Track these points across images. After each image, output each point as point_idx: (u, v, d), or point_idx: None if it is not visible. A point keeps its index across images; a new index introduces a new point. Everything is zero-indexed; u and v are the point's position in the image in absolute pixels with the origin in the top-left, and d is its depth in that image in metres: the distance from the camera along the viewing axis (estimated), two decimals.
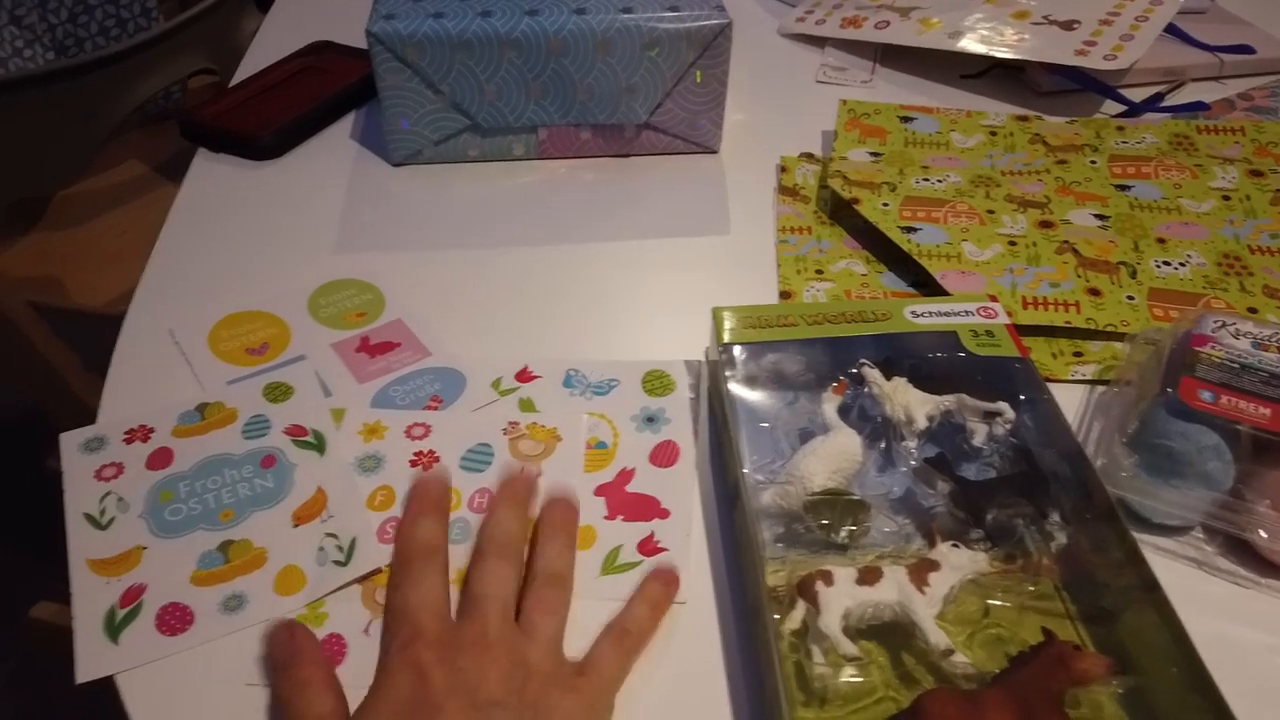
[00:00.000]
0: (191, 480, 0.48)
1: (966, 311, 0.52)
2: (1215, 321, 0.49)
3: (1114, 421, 0.49)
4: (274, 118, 0.76)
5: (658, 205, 0.70)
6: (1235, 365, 0.47)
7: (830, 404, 0.48)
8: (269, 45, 0.90)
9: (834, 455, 0.46)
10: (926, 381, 0.49)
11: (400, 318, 0.59)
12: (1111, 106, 0.81)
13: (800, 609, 0.40)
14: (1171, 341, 0.50)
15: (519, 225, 0.68)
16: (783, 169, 0.73)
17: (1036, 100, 0.82)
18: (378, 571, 0.44)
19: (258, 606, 0.43)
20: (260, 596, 0.43)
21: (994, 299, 0.53)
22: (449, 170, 0.73)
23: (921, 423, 0.47)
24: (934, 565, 0.41)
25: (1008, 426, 0.47)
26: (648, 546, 0.46)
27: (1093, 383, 0.54)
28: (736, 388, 0.49)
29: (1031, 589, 0.42)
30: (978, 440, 0.47)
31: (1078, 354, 0.56)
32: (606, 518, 0.48)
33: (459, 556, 0.45)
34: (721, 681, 0.41)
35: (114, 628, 0.42)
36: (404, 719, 0.36)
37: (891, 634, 0.40)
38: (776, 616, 0.40)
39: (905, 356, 0.50)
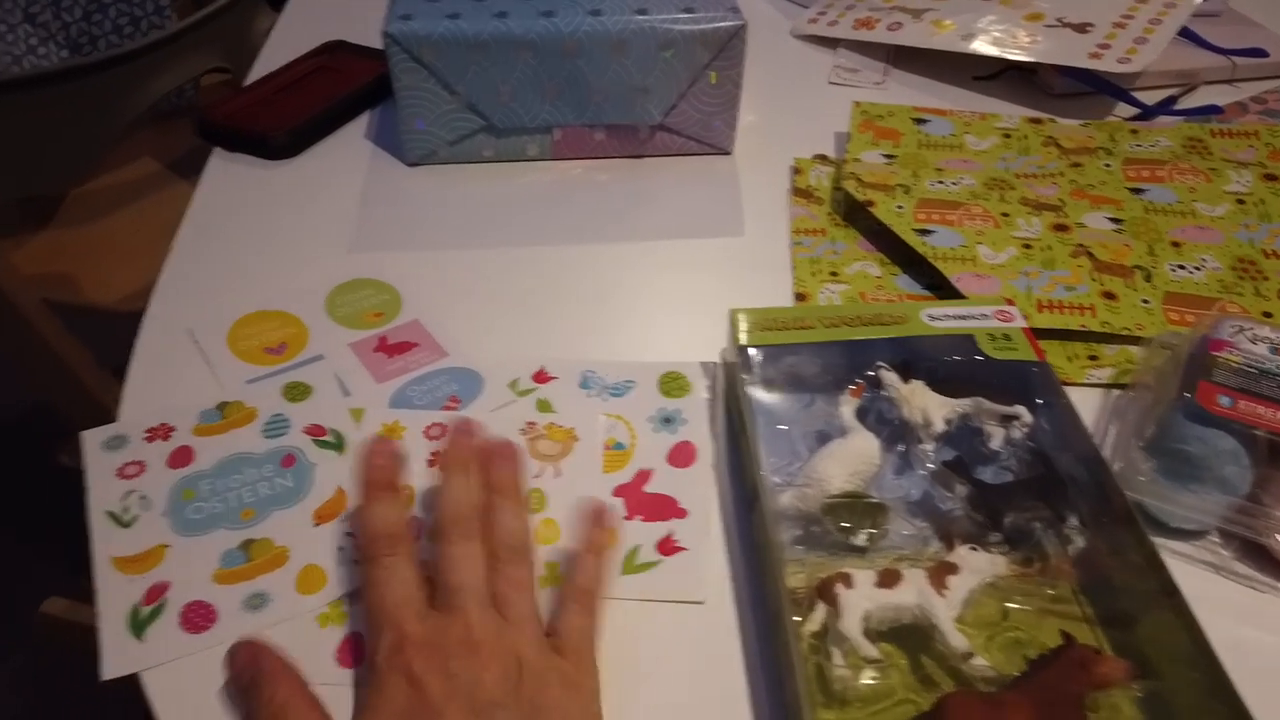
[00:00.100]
0: (213, 479, 0.49)
1: (983, 315, 0.52)
2: (1233, 326, 0.49)
3: (1130, 426, 0.50)
4: (289, 117, 0.76)
5: (672, 206, 0.71)
6: (1253, 370, 0.47)
7: (848, 406, 0.49)
8: (282, 44, 0.90)
9: (852, 458, 0.46)
10: (944, 385, 0.49)
11: (417, 318, 0.59)
12: (1124, 109, 0.81)
13: (820, 611, 0.40)
14: (1189, 346, 0.50)
15: (533, 226, 0.68)
16: (796, 171, 0.73)
17: (1049, 102, 0.82)
18: None
19: (280, 605, 0.43)
20: (282, 595, 0.43)
21: (1010, 302, 0.53)
22: (463, 170, 0.74)
23: (939, 426, 0.47)
24: (953, 568, 0.41)
25: (1025, 430, 0.47)
26: (667, 546, 0.47)
27: (1108, 386, 0.55)
28: (754, 390, 0.49)
29: (1051, 592, 0.42)
30: (995, 444, 0.47)
31: (1093, 357, 0.56)
32: (625, 518, 0.48)
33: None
34: (741, 682, 0.41)
35: (138, 625, 0.42)
36: None
37: (910, 636, 0.41)
38: (797, 618, 0.40)
39: (922, 359, 0.50)
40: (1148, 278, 0.59)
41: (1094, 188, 0.67)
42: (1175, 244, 0.62)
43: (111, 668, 0.41)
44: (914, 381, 0.49)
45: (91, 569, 0.44)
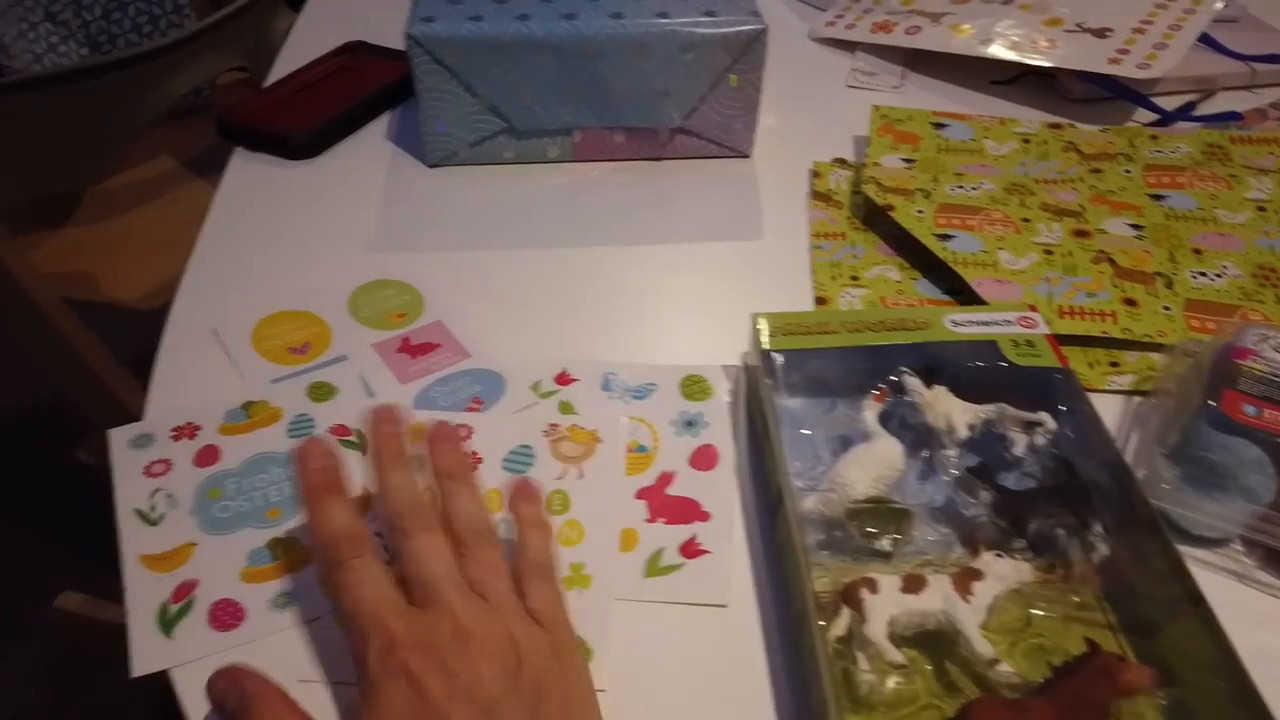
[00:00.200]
0: (239, 478, 0.49)
1: (1006, 321, 0.52)
2: (1256, 334, 0.49)
3: (1153, 433, 0.50)
4: (310, 118, 0.76)
5: (691, 209, 0.71)
6: (1278, 379, 0.47)
7: (871, 412, 0.49)
8: (301, 45, 0.90)
9: (875, 463, 0.46)
10: (967, 390, 0.49)
11: (439, 319, 0.60)
12: (1143, 115, 0.81)
13: (845, 616, 0.41)
14: (1211, 353, 0.50)
15: (553, 227, 0.68)
16: (815, 174, 0.73)
17: (1067, 107, 0.82)
18: None
19: (307, 604, 0.43)
20: (309, 595, 0.44)
21: (1033, 308, 0.54)
22: (484, 172, 0.74)
23: (962, 432, 0.48)
24: (978, 574, 0.41)
25: (1048, 436, 0.47)
26: (690, 549, 0.47)
27: (1129, 393, 0.55)
28: (777, 394, 0.49)
29: (1075, 599, 0.42)
30: (1018, 450, 0.47)
31: (1114, 364, 0.56)
32: (648, 520, 0.48)
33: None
34: (764, 685, 0.41)
35: (167, 622, 0.42)
36: None
37: (935, 642, 0.41)
38: (822, 623, 0.40)
39: (945, 365, 0.50)
40: (1169, 284, 0.60)
41: (1114, 194, 0.67)
42: (1196, 251, 0.62)
43: (141, 665, 0.41)
44: (937, 387, 0.49)
45: (115, 566, 0.45)
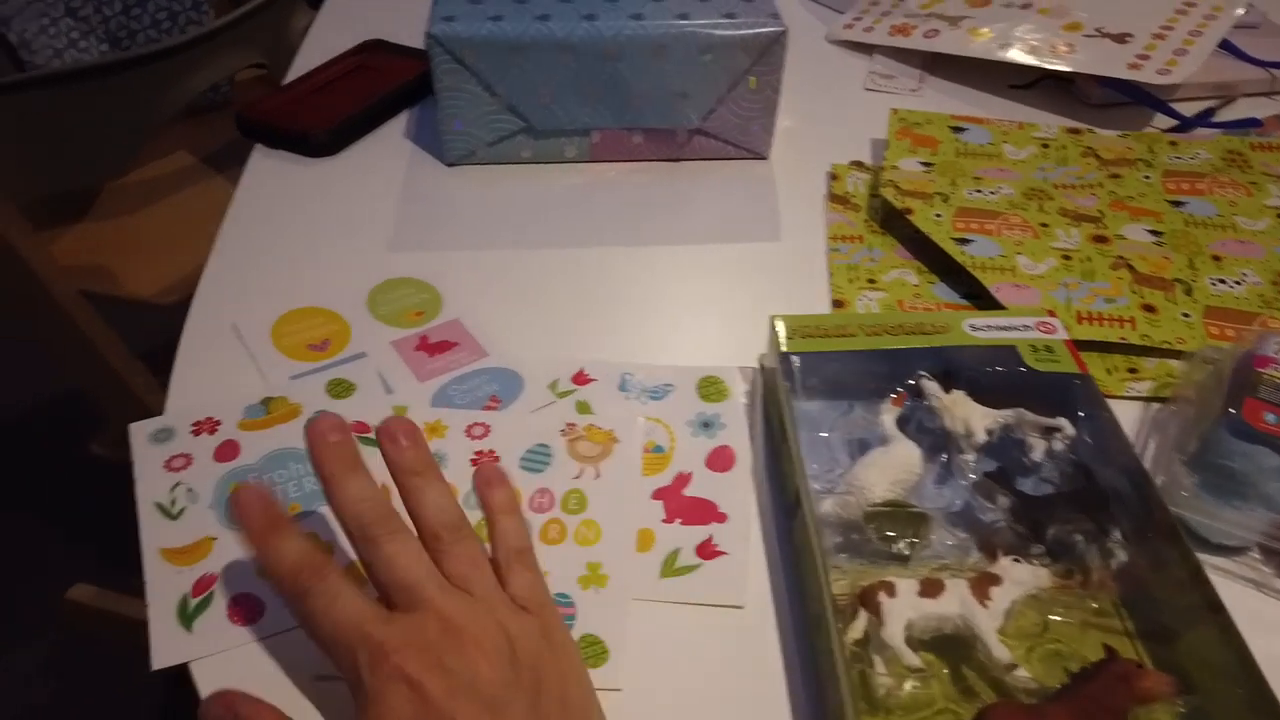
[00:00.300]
0: (259, 473, 0.49)
1: (1025, 326, 0.52)
2: (1277, 342, 0.49)
3: (1171, 440, 0.50)
4: (329, 115, 0.77)
5: (708, 210, 0.71)
6: None
7: (889, 415, 0.49)
8: (320, 42, 0.91)
9: (893, 467, 0.46)
10: (985, 395, 0.49)
11: (457, 317, 0.60)
12: (1161, 121, 0.81)
13: (862, 619, 0.41)
14: (1232, 361, 0.50)
15: (570, 227, 0.69)
16: (833, 177, 0.73)
17: (1086, 112, 0.82)
18: None
19: None
20: None
21: (1052, 314, 0.54)
22: (501, 171, 0.74)
23: (980, 436, 0.48)
24: (996, 579, 0.41)
25: (1066, 442, 0.47)
26: (706, 550, 0.47)
27: (1148, 400, 0.55)
28: (795, 396, 0.50)
29: (1093, 606, 0.42)
30: (1036, 455, 0.47)
31: (1132, 370, 0.56)
32: (664, 521, 0.48)
33: None
34: (780, 687, 0.42)
35: (187, 616, 0.43)
36: None
37: (951, 646, 0.41)
38: (839, 626, 0.40)
39: (964, 369, 0.50)
40: (1188, 291, 0.59)
41: (1133, 199, 0.67)
42: (1215, 258, 0.62)
43: (161, 658, 0.41)
44: (955, 391, 0.49)
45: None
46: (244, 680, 0.40)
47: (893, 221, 0.67)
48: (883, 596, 0.41)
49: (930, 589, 0.41)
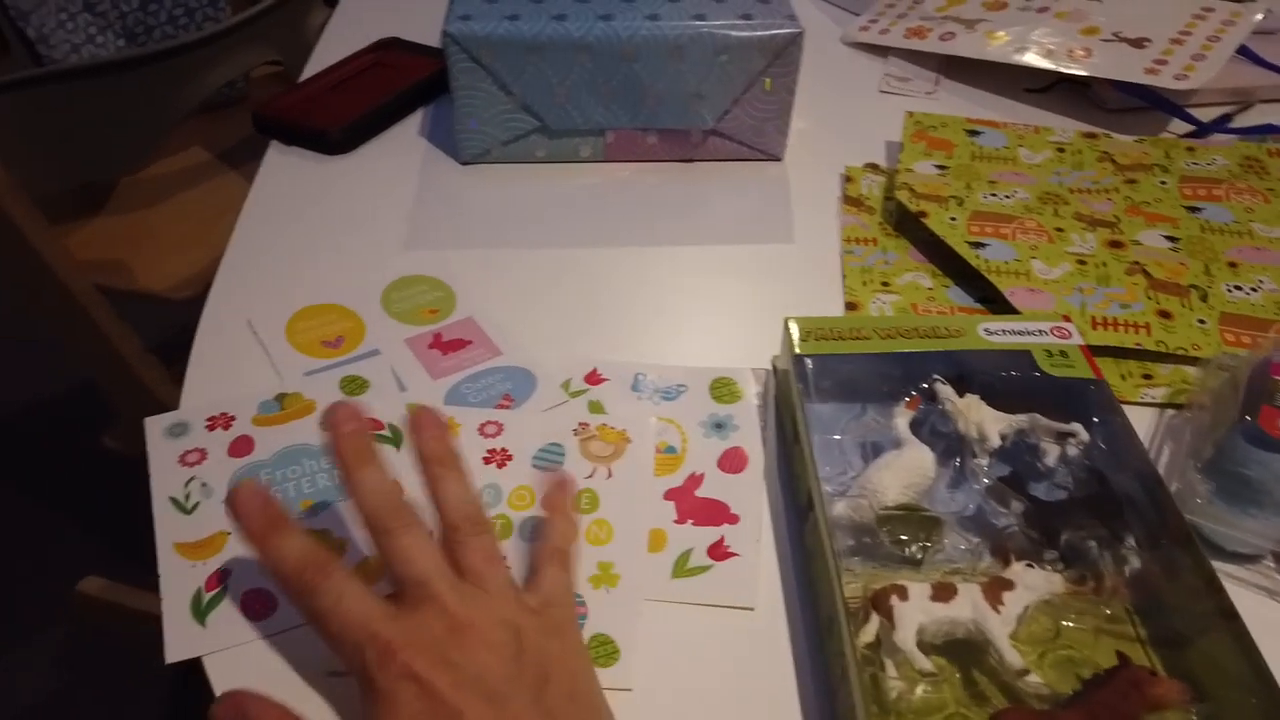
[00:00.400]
0: (272, 469, 0.49)
1: (1040, 331, 0.52)
2: None
3: (1186, 447, 0.49)
4: (345, 113, 0.77)
5: (722, 211, 0.71)
6: None
7: (902, 418, 0.49)
8: (336, 40, 0.91)
9: (907, 470, 0.46)
10: (999, 400, 0.49)
11: (471, 316, 0.60)
12: (1178, 126, 0.81)
13: (874, 622, 0.41)
14: (1248, 368, 0.49)
15: (584, 227, 0.69)
16: (848, 179, 0.73)
17: (1102, 116, 0.82)
18: None
19: None
20: None
21: (1068, 319, 0.53)
22: (516, 170, 0.74)
23: (994, 441, 0.47)
24: (1008, 584, 0.41)
25: (1080, 448, 0.47)
26: (718, 551, 0.47)
27: (1162, 406, 0.54)
28: (808, 399, 0.49)
29: (1107, 612, 0.42)
30: (1050, 460, 0.47)
31: (1147, 376, 0.56)
32: (676, 521, 0.48)
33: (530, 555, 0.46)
34: (791, 688, 0.42)
35: (200, 611, 0.43)
36: None
37: (963, 651, 0.41)
38: (851, 629, 0.40)
39: (978, 374, 0.50)
40: (1203, 297, 0.59)
41: (1149, 205, 0.67)
42: (1232, 264, 0.62)
43: (174, 652, 0.42)
44: (969, 395, 0.49)
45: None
46: (256, 675, 0.41)
47: (907, 224, 0.67)
48: (895, 600, 0.40)
49: (942, 593, 0.41)
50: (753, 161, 0.76)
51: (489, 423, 0.52)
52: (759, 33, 0.68)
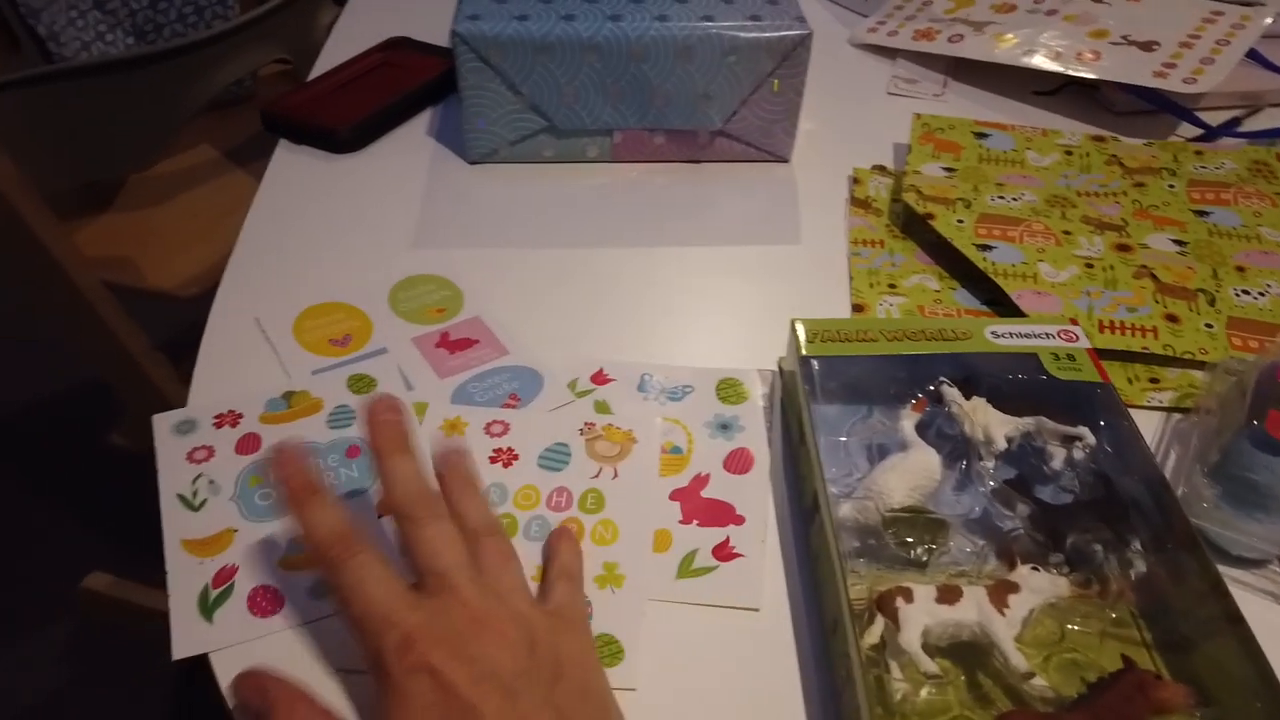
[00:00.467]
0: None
1: (1047, 334, 0.52)
2: None
3: (1193, 451, 0.49)
4: (353, 112, 0.77)
5: (729, 212, 0.71)
6: None
7: (909, 421, 0.49)
8: (345, 39, 0.91)
9: (913, 472, 0.46)
10: (1006, 402, 0.49)
11: (478, 315, 0.60)
12: (1186, 129, 0.81)
13: (879, 624, 0.41)
14: (1255, 373, 0.49)
15: (591, 227, 0.69)
16: (855, 181, 0.73)
17: (1110, 119, 0.82)
18: None
19: None
20: None
21: (1074, 322, 0.53)
22: (524, 170, 0.74)
23: (1000, 444, 0.47)
24: (1014, 587, 0.41)
25: (1086, 451, 0.47)
26: (723, 551, 0.47)
27: (1169, 410, 0.54)
28: (814, 400, 0.50)
29: (1112, 615, 0.42)
30: (1056, 464, 0.47)
31: (1154, 380, 0.56)
32: (681, 522, 0.48)
33: (536, 555, 0.46)
34: (796, 690, 0.42)
35: (208, 607, 0.43)
36: None
37: (967, 653, 0.41)
38: (856, 630, 0.40)
39: (985, 376, 0.50)
40: (1211, 301, 0.59)
41: (1157, 208, 0.67)
42: (1239, 268, 0.62)
43: (181, 648, 0.42)
44: (976, 398, 0.49)
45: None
46: None
47: (914, 226, 0.67)
48: (900, 602, 0.40)
49: (948, 595, 0.41)
50: (760, 163, 0.76)
51: (495, 422, 0.53)
52: (767, 34, 0.68)
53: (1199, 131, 0.80)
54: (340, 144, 0.75)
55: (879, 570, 0.44)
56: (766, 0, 0.71)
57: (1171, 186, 0.69)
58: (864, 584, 0.43)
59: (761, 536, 0.48)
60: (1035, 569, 0.42)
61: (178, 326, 0.89)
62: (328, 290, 0.61)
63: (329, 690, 0.40)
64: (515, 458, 0.51)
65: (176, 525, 0.47)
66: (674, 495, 0.50)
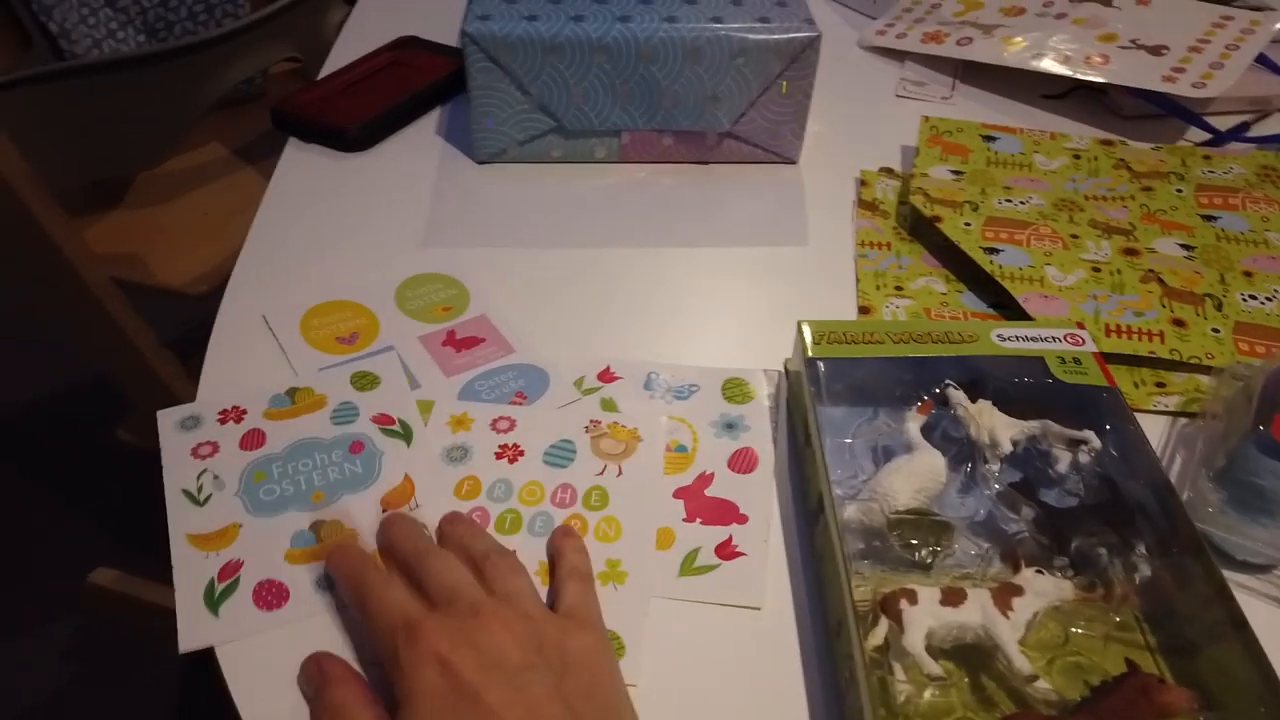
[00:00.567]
0: (284, 462, 0.50)
1: (1054, 338, 0.52)
2: None
3: (1199, 455, 0.49)
4: (362, 111, 0.77)
5: (736, 213, 0.71)
6: None
7: (914, 423, 0.49)
8: (355, 38, 0.92)
9: (918, 475, 0.46)
10: (1011, 406, 0.49)
11: (484, 313, 0.60)
12: (1194, 134, 0.81)
13: (883, 626, 0.41)
14: (1262, 378, 0.49)
15: (599, 227, 0.69)
16: (862, 183, 0.73)
17: (1118, 123, 0.82)
18: None
19: None
20: None
21: (1081, 326, 0.53)
22: (532, 170, 0.74)
23: (1005, 447, 0.47)
24: (1018, 590, 0.41)
25: (1092, 455, 0.47)
26: (726, 550, 0.47)
27: (1175, 414, 0.54)
28: (820, 401, 0.50)
29: (1116, 619, 0.42)
30: (1061, 467, 0.47)
31: (1160, 384, 0.55)
32: (685, 520, 0.48)
33: (540, 551, 0.46)
34: (799, 690, 0.42)
35: (213, 601, 0.43)
36: (451, 713, 0.35)
37: (971, 655, 0.41)
38: (860, 632, 0.40)
39: (991, 379, 0.50)
40: (1218, 306, 0.59)
41: (1165, 213, 0.67)
42: (1247, 273, 0.62)
43: (188, 641, 0.42)
44: (981, 401, 0.49)
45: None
46: (269, 665, 0.41)
47: (921, 229, 0.67)
48: (904, 604, 0.40)
49: (952, 598, 0.41)
50: (768, 164, 0.76)
51: (501, 419, 0.53)
52: (776, 36, 0.68)
53: (1207, 136, 0.80)
54: (349, 143, 0.75)
55: (883, 572, 0.44)
56: (775, 2, 0.71)
57: (1179, 191, 0.69)
58: (868, 586, 0.43)
59: (764, 536, 0.48)
60: (1040, 572, 0.42)
61: (186, 324, 0.90)
62: (335, 288, 0.61)
63: None
64: (521, 454, 0.51)
65: (182, 520, 0.47)
66: (678, 493, 0.50)
